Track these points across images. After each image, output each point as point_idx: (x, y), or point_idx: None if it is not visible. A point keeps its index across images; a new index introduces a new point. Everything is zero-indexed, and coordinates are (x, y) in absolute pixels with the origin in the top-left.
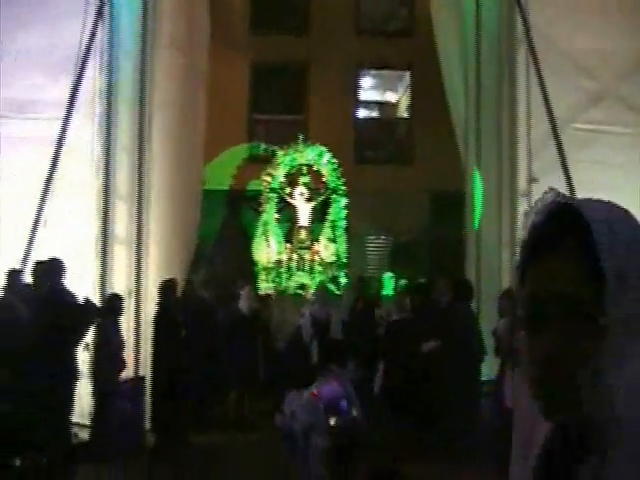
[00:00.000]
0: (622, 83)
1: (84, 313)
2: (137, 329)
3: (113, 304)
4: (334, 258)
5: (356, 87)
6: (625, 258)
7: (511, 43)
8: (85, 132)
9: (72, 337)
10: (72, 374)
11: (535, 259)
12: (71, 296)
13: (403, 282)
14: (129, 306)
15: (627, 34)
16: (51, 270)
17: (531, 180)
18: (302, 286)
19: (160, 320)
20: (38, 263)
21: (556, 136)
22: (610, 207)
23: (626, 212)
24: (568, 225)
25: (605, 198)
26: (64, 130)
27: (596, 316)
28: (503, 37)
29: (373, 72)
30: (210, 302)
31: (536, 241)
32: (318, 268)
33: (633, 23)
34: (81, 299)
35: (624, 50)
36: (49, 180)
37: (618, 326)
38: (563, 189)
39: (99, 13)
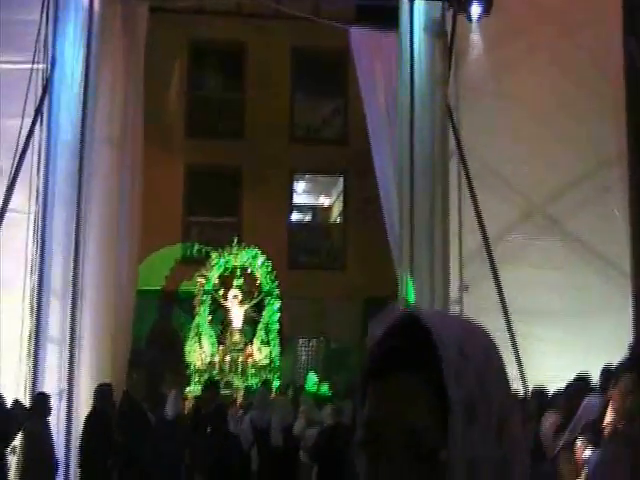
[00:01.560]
0: (550, 203)
1: (11, 418)
2: (68, 430)
3: (41, 404)
4: (267, 361)
5: (290, 191)
6: (475, 388)
7: (444, 157)
8: (20, 230)
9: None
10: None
11: (377, 378)
12: None
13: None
14: (60, 407)
15: (555, 154)
16: None
17: (462, 288)
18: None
19: (93, 423)
20: None
21: (487, 246)
22: (463, 325)
23: (480, 330)
24: (416, 342)
25: (534, 305)
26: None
27: (437, 450)
28: (436, 151)
29: (307, 177)
30: (141, 407)
31: (379, 357)
32: (251, 370)
33: (561, 144)
34: (9, 402)
35: (552, 174)
36: None
37: (460, 466)
38: (494, 297)
39: (37, 111)
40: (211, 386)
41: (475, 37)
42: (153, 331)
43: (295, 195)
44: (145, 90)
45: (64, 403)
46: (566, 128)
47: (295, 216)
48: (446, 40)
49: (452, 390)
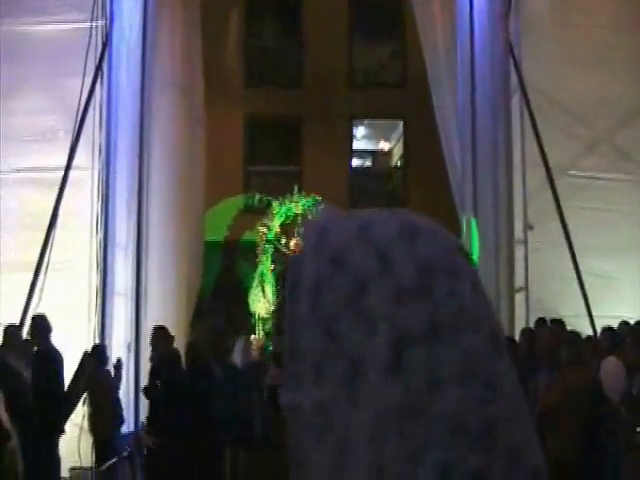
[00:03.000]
0: (616, 131)
1: (76, 376)
2: (136, 382)
3: (101, 354)
4: None
5: (350, 137)
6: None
7: (505, 93)
8: (84, 187)
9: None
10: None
11: None
12: (58, 360)
13: None
14: (128, 359)
15: (620, 84)
16: (38, 328)
17: (527, 227)
18: None
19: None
20: (32, 319)
21: (551, 183)
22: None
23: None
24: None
25: (602, 245)
26: (63, 184)
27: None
28: (497, 87)
29: (366, 122)
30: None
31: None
32: None
33: (626, 73)
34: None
35: (617, 99)
36: (49, 230)
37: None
38: (559, 235)
39: (98, 68)
40: None
41: None
42: (217, 282)
43: (355, 141)
44: (203, 40)
45: (132, 355)
46: (631, 55)
47: (355, 162)
48: None
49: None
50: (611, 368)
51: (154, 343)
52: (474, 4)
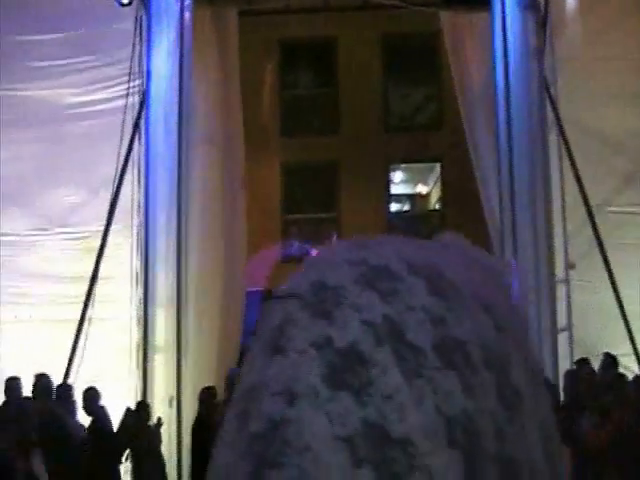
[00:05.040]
0: None
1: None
2: (179, 437)
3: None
4: None
5: (387, 181)
6: None
7: (542, 130)
8: (124, 243)
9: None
10: None
11: None
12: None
13: None
14: (170, 415)
15: None
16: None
17: (568, 266)
18: None
19: (196, 430)
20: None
21: (592, 219)
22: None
23: None
24: None
25: None
26: (104, 241)
27: None
28: (534, 125)
29: (403, 166)
30: None
31: None
32: None
33: None
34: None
35: None
36: (90, 290)
37: None
38: (601, 273)
39: (135, 126)
40: None
41: (568, 6)
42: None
43: (392, 185)
44: (241, 93)
45: (174, 410)
46: None
47: (393, 206)
48: (539, 13)
49: None
50: None
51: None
52: (508, 41)
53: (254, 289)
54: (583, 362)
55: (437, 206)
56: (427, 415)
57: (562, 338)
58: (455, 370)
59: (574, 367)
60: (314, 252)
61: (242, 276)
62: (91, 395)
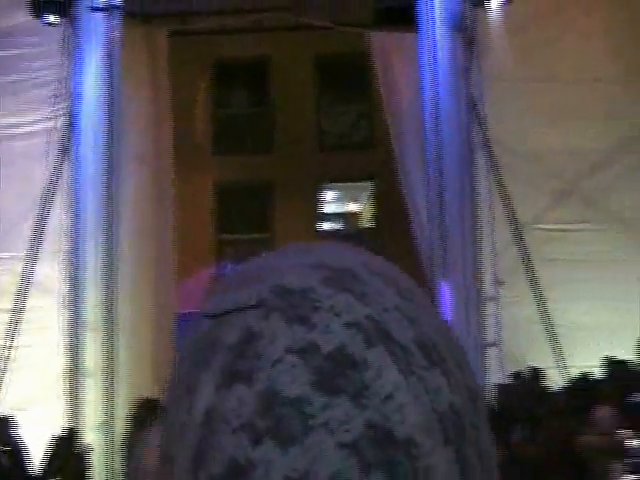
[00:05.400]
0: (582, 182)
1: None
2: (110, 463)
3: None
4: None
5: (320, 201)
6: None
7: (470, 149)
8: (52, 267)
9: None
10: None
11: None
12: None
13: None
14: (100, 440)
15: (583, 136)
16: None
17: (497, 282)
18: None
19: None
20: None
21: (519, 237)
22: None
23: None
24: None
25: (573, 296)
26: (31, 266)
27: None
28: (463, 144)
29: (336, 185)
30: None
31: None
32: None
33: (589, 125)
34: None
35: (581, 151)
36: (17, 316)
37: None
38: (529, 288)
39: (64, 148)
40: None
41: (495, 27)
42: None
43: (325, 204)
44: (173, 110)
45: (105, 435)
46: (592, 108)
47: (326, 225)
48: (467, 33)
49: None
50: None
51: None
52: (436, 61)
53: (188, 311)
54: (515, 376)
55: (369, 224)
56: (425, 414)
57: (492, 353)
58: (439, 368)
59: (505, 381)
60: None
61: (174, 297)
62: (5, 425)
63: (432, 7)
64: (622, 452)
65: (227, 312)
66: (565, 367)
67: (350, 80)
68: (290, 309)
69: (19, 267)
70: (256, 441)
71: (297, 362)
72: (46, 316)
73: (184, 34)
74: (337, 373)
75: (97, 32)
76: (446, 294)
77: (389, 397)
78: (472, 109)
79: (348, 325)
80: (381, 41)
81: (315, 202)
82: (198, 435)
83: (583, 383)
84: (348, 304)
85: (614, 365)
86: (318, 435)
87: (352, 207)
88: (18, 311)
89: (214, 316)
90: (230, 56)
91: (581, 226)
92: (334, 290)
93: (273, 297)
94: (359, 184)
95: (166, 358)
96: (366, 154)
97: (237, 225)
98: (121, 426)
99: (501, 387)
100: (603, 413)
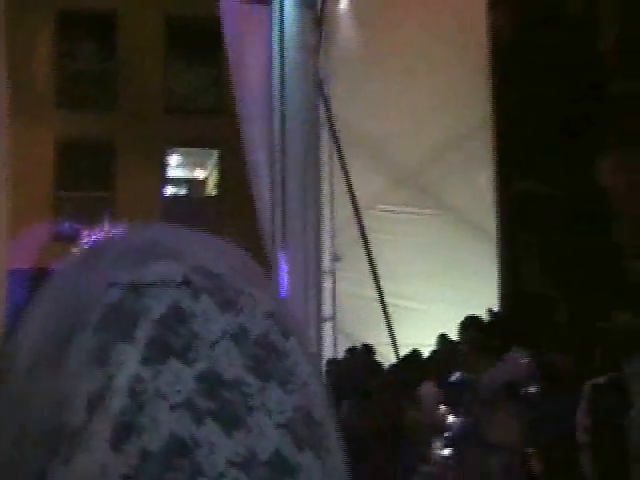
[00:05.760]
0: (419, 168)
1: None
2: None
3: None
4: None
5: (165, 164)
6: None
7: (315, 128)
8: None
9: None
10: None
11: None
12: None
13: None
14: None
15: (426, 123)
16: None
17: (334, 258)
18: None
19: None
20: None
21: (358, 216)
22: None
23: None
24: None
25: (405, 272)
26: None
27: None
28: (307, 122)
29: (182, 149)
30: None
31: None
32: None
33: (432, 112)
34: None
35: (423, 138)
36: None
37: None
38: (367, 266)
39: None
40: None
41: (345, 7)
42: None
43: (170, 168)
44: (12, 62)
45: None
46: (435, 96)
47: (171, 190)
48: (316, 11)
49: None
50: (425, 393)
51: None
52: (285, 37)
53: (20, 267)
54: (349, 351)
55: (214, 192)
56: (329, 401)
57: (327, 328)
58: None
59: (338, 356)
60: (86, 233)
61: (6, 254)
62: None
63: None
64: (442, 427)
65: (149, 285)
66: (397, 344)
67: (201, 44)
68: (218, 292)
69: None
70: (199, 421)
71: (231, 346)
72: None
73: None
74: (266, 359)
75: None
76: (284, 267)
77: (306, 383)
78: (318, 87)
79: (267, 314)
80: (232, 9)
81: (160, 165)
82: (118, 407)
83: (413, 360)
84: (260, 295)
85: (444, 343)
86: (258, 416)
87: (198, 173)
88: None
89: (132, 287)
90: (76, 8)
91: (416, 210)
92: (245, 280)
93: (200, 278)
94: (205, 150)
95: None
96: (214, 120)
97: (78, 182)
98: None
99: (333, 361)
100: (426, 389)
